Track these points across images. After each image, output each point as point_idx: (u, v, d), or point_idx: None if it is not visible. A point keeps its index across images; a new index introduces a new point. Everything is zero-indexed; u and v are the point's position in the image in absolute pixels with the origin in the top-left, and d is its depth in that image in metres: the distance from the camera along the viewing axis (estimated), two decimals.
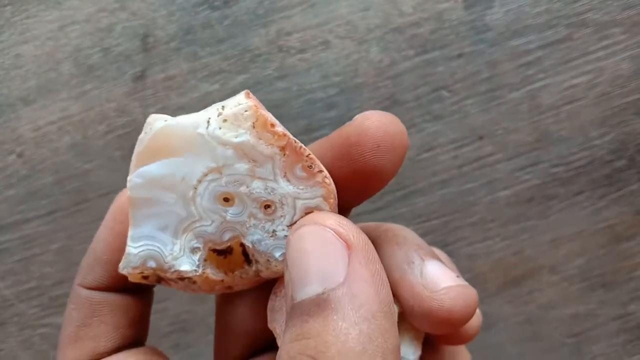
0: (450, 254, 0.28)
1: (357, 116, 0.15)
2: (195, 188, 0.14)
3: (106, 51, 0.33)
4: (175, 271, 0.15)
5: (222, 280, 0.15)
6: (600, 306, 0.33)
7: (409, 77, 0.33)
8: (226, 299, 0.18)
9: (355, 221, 0.18)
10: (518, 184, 0.33)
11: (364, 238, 0.13)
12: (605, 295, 0.33)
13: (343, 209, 0.16)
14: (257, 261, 0.15)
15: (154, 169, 0.14)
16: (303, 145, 0.14)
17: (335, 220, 0.13)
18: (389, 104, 0.33)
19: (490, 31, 0.33)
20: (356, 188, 0.15)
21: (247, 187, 0.14)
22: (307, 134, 0.33)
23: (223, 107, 0.14)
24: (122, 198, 0.17)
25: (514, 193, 0.33)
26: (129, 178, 0.14)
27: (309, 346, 0.11)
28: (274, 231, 0.15)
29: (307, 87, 0.33)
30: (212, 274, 0.15)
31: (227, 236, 0.15)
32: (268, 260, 0.15)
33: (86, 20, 0.33)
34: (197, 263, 0.15)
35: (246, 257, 0.15)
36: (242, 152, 0.14)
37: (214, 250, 0.15)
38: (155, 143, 0.14)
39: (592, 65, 0.33)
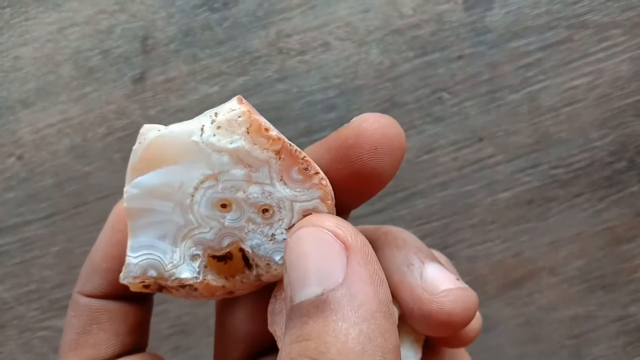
0: (450, 256, 0.28)
1: (354, 118, 0.15)
2: (192, 196, 0.14)
3: (106, 53, 0.33)
4: (176, 279, 0.15)
5: (223, 286, 0.15)
6: (600, 308, 0.33)
7: (409, 79, 0.33)
8: (226, 303, 0.18)
9: (354, 224, 0.18)
10: (518, 186, 0.33)
11: (362, 239, 0.13)
12: (605, 297, 0.33)
13: (341, 212, 0.16)
14: (257, 265, 0.15)
15: (149, 178, 0.14)
16: (298, 148, 0.14)
17: (333, 222, 0.13)
18: (389, 106, 0.33)
19: (490, 33, 0.33)
20: (354, 190, 0.15)
21: (244, 192, 0.14)
22: (307, 135, 0.33)
23: (216, 113, 0.14)
24: (120, 207, 0.17)
25: (514, 195, 0.33)
26: (125, 189, 0.14)
27: (309, 347, 0.11)
28: (272, 235, 0.15)
29: (307, 89, 0.33)
30: (213, 280, 0.15)
31: (226, 242, 0.15)
32: (268, 264, 0.15)
33: (85, 22, 0.33)
34: (197, 270, 0.15)
35: (246, 261, 0.15)
36: (238, 157, 0.14)
37: (214, 257, 0.15)
38: (149, 153, 0.14)
39: (592, 66, 0.33)
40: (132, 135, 0.33)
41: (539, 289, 0.33)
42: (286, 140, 0.14)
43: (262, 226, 0.15)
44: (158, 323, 0.32)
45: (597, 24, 0.32)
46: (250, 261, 0.15)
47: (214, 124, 0.14)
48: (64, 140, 0.33)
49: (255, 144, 0.14)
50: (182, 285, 0.15)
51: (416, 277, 0.15)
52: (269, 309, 0.16)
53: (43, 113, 0.33)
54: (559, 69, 0.33)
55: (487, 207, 0.33)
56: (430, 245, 0.17)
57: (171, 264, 0.15)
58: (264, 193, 0.14)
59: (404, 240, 0.16)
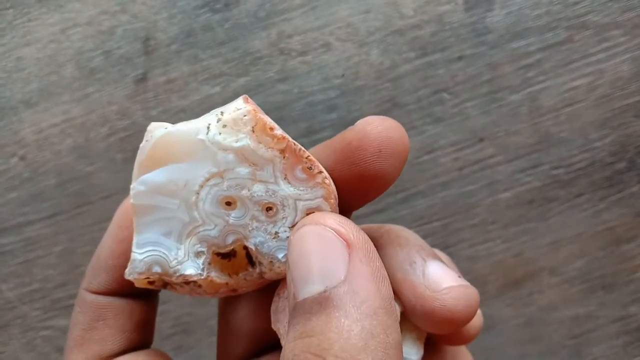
0: (450, 256, 0.28)
1: (359, 121, 0.15)
2: (198, 193, 0.15)
3: (107, 54, 0.33)
4: (181, 275, 0.15)
5: (227, 283, 0.16)
6: (600, 308, 0.33)
7: (410, 80, 0.33)
8: (229, 300, 0.18)
9: (356, 223, 0.19)
10: (518, 186, 0.33)
11: (363, 236, 0.13)
12: (606, 297, 0.33)
13: (344, 212, 0.16)
14: (260, 263, 0.15)
15: (156, 176, 0.14)
16: (302, 147, 0.14)
17: (335, 220, 0.13)
18: (389, 107, 0.33)
19: (490, 33, 0.33)
20: (357, 192, 0.15)
21: (249, 190, 0.14)
22: (307, 136, 0.33)
23: (222, 112, 0.14)
24: (126, 204, 0.17)
25: (515, 195, 0.33)
26: (131, 186, 0.15)
27: (312, 344, 0.12)
28: (276, 233, 0.15)
29: (308, 89, 0.33)
30: (217, 277, 0.15)
31: (230, 239, 0.15)
32: (271, 261, 0.15)
33: (88, 23, 0.33)
34: (201, 267, 0.15)
35: (250, 259, 0.15)
36: (243, 156, 0.14)
37: (218, 254, 0.15)
38: (156, 151, 0.14)
39: (592, 67, 0.33)
40: (134, 136, 0.33)
41: (539, 289, 0.33)
42: (290, 139, 0.14)
43: (265, 224, 0.15)
44: (159, 323, 0.33)
45: (598, 24, 0.33)
46: (254, 259, 0.15)
47: (220, 122, 0.14)
48: (67, 141, 0.33)
49: (260, 143, 0.14)
50: (187, 282, 0.15)
51: (418, 275, 0.15)
52: (272, 307, 0.16)
53: (46, 113, 0.33)
54: (559, 69, 0.33)
55: (488, 207, 0.33)
56: (431, 245, 0.17)
57: (176, 261, 0.15)
58: (268, 191, 0.14)
59: (406, 238, 0.17)
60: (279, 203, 0.14)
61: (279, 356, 0.13)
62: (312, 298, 0.12)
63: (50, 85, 0.33)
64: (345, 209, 0.16)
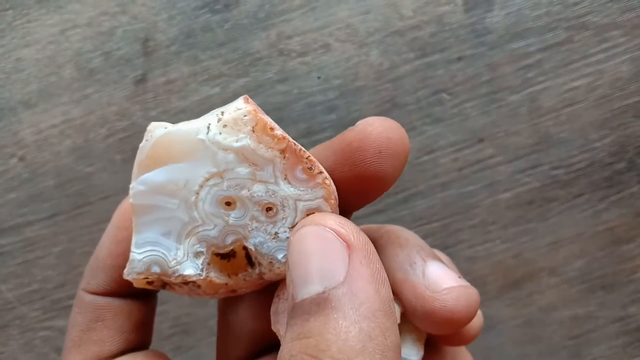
0: (450, 256, 0.28)
1: (359, 122, 0.15)
2: (197, 193, 0.15)
3: (107, 55, 0.33)
4: (180, 276, 0.15)
5: (226, 284, 0.15)
6: (600, 308, 0.33)
7: (409, 80, 0.33)
8: (228, 301, 0.18)
9: (355, 224, 0.19)
10: (518, 187, 0.33)
11: (364, 238, 0.13)
12: (605, 297, 0.33)
13: (344, 213, 0.16)
14: (260, 264, 0.15)
15: (156, 175, 0.14)
16: (303, 147, 0.14)
17: (336, 221, 0.13)
18: (389, 107, 0.33)
19: (490, 34, 0.33)
20: (357, 192, 0.15)
21: (249, 190, 0.14)
22: (307, 137, 0.33)
23: (222, 112, 0.14)
24: (125, 205, 0.17)
25: (514, 195, 0.33)
26: (131, 185, 0.15)
27: (310, 345, 0.12)
28: (276, 233, 0.15)
29: (308, 90, 0.33)
30: (216, 277, 0.15)
31: (229, 240, 0.15)
32: (271, 262, 0.15)
33: (87, 24, 0.33)
34: (200, 267, 0.15)
35: (249, 260, 0.15)
36: (243, 156, 0.14)
37: (217, 254, 0.15)
38: (156, 150, 0.14)
39: (592, 67, 0.33)
40: (133, 137, 0.33)
41: (539, 290, 0.33)
42: (291, 139, 0.14)
43: (265, 224, 0.15)
44: (159, 323, 0.33)
45: (597, 25, 0.33)
46: (253, 259, 0.15)
47: (220, 122, 0.14)
48: (66, 141, 0.33)
49: (260, 143, 0.14)
50: (185, 282, 0.15)
51: (418, 275, 0.15)
52: (272, 308, 0.16)
53: (45, 114, 0.33)
54: (559, 70, 0.33)
55: (488, 207, 0.33)
56: (431, 246, 0.17)
57: (175, 261, 0.15)
58: (268, 191, 0.14)
59: (406, 239, 0.16)
60: (279, 203, 0.14)
61: None
62: (310, 299, 0.12)
63: (50, 86, 0.33)
64: (345, 209, 0.16)
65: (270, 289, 0.17)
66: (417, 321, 0.16)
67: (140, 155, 0.15)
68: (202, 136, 0.14)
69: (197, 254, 0.15)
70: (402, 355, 0.16)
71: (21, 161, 0.33)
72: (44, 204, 0.33)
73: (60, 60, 0.33)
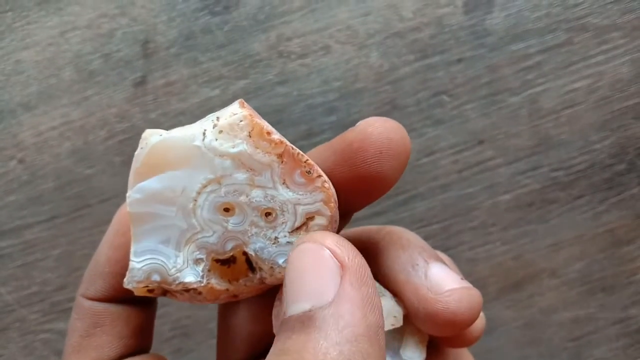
0: (450, 258, 0.29)
1: (359, 122, 0.15)
2: (195, 200, 0.14)
3: (107, 57, 0.33)
4: (180, 283, 0.15)
5: (227, 290, 0.15)
6: (600, 310, 0.33)
7: (409, 82, 0.33)
8: (228, 304, 0.18)
9: (354, 226, 0.19)
10: (518, 188, 0.33)
11: (359, 260, 0.13)
12: (606, 299, 0.33)
13: (344, 214, 0.16)
14: (260, 269, 0.15)
15: (152, 183, 0.14)
16: (300, 151, 0.14)
17: (334, 240, 0.13)
18: (389, 109, 0.33)
19: (490, 36, 0.33)
20: (358, 194, 0.15)
21: (247, 196, 0.14)
22: (307, 139, 0.33)
23: (218, 118, 0.14)
24: (123, 211, 0.17)
25: (514, 197, 0.33)
26: (127, 194, 0.14)
27: None
28: (276, 238, 0.15)
29: (308, 92, 0.33)
30: (217, 283, 0.15)
31: (229, 246, 0.15)
32: (272, 267, 0.15)
33: (87, 26, 0.33)
34: (201, 274, 0.15)
35: (250, 265, 0.15)
36: (240, 161, 0.14)
37: (217, 260, 0.15)
38: (152, 158, 0.14)
39: (592, 69, 0.33)
40: (133, 139, 0.33)
41: (539, 291, 0.33)
42: (288, 143, 0.14)
43: (265, 229, 0.15)
44: (159, 326, 0.33)
45: (597, 26, 0.33)
46: (254, 264, 0.15)
47: (215, 128, 0.14)
48: (66, 144, 0.33)
49: (257, 148, 0.14)
50: (186, 290, 0.15)
51: (421, 277, 0.15)
52: (274, 312, 0.16)
53: (44, 116, 0.33)
54: (559, 71, 0.33)
55: (488, 209, 0.33)
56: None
57: (175, 269, 0.15)
58: (266, 196, 0.14)
59: (408, 240, 0.16)
60: (278, 208, 0.14)
61: None
62: (296, 316, 0.12)
63: (49, 88, 0.33)
64: (346, 210, 0.16)
65: (271, 291, 0.17)
66: (419, 323, 0.16)
67: (135, 163, 0.14)
68: (198, 143, 0.14)
69: (197, 261, 0.15)
70: (405, 357, 0.16)
71: (20, 163, 0.33)
72: (43, 207, 0.33)
73: (59, 62, 0.33)
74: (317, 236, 0.13)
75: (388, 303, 0.15)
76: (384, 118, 0.15)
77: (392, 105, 0.33)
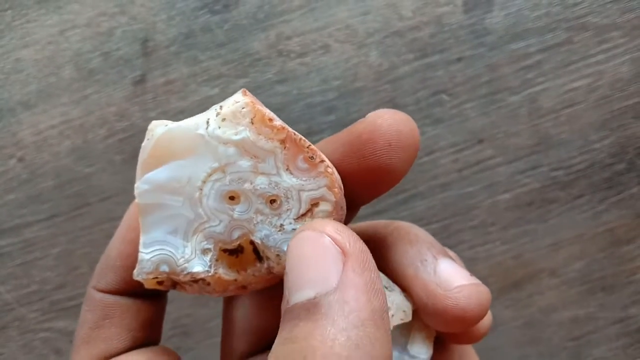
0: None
1: (369, 114, 0.15)
2: (201, 189, 0.14)
3: (106, 55, 0.33)
4: (188, 273, 0.15)
5: (235, 280, 0.15)
6: (600, 309, 0.33)
7: (409, 81, 0.33)
8: (233, 296, 0.18)
9: (359, 222, 0.19)
10: (518, 188, 0.33)
11: (360, 246, 0.13)
12: (606, 298, 0.33)
13: (352, 207, 0.16)
14: (267, 257, 0.15)
15: (159, 174, 0.14)
16: (303, 137, 0.14)
17: (333, 227, 0.13)
18: (388, 108, 0.33)
19: (489, 35, 0.33)
20: (367, 185, 0.15)
21: (251, 183, 0.14)
22: (306, 137, 0.32)
23: (221, 106, 0.14)
24: (135, 206, 0.17)
25: (514, 196, 0.33)
26: (135, 185, 0.15)
27: (295, 350, 0.11)
28: (281, 225, 0.15)
29: (307, 91, 0.33)
30: (225, 273, 0.15)
31: (235, 234, 0.15)
32: (278, 255, 0.15)
33: (86, 25, 0.33)
34: (208, 264, 0.15)
35: (257, 254, 0.15)
36: (244, 149, 0.14)
37: (225, 250, 0.15)
38: (158, 149, 0.14)
39: (591, 68, 0.33)
40: (132, 137, 0.33)
41: (539, 291, 0.33)
42: (290, 129, 0.14)
43: (270, 217, 0.15)
44: None
45: (597, 26, 0.33)
46: (261, 253, 0.15)
47: (218, 116, 0.14)
48: (65, 142, 0.33)
49: (260, 134, 0.14)
50: (195, 280, 0.15)
51: (430, 273, 0.15)
52: (283, 302, 0.16)
53: (44, 115, 0.33)
54: (558, 70, 0.33)
55: (487, 208, 0.33)
56: None
57: (183, 259, 0.15)
58: (270, 183, 0.14)
59: (416, 235, 0.16)
60: (282, 195, 0.14)
61: None
62: (301, 304, 0.12)
63: (49, 87, 0.33)
64: (353, 203, 0.16)
65: (276, 285, 0.16)
66: (427, 319, 0.16)
67: (142, 155, 0.15)
68: (201, 131, 0.14)
69: (204, 251, 0.15)
70: (412, 353, 0.16)
71: (20, 162, 0.33)
72: (43, 205, 0.33)
73: (59, 61, 0.33)
74: (316, 224, 0.13)
75: (397, 298, 0.15)
76: (394, 110, 0.15)
77: (392, 104, 0.33)
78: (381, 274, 0.16)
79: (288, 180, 0.14)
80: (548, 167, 0.33)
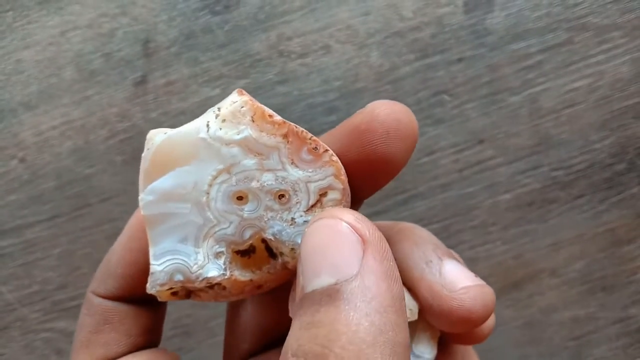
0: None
1: (368, 104, 0.15)
2: (207, 193, 0.14)
3: (107, 56, 0.33)
4: (204, 279, 0.15)
5: (251, 280, 0.15)
6: (600, 309, 0.33)
7: (410, 82, 0.33)
8: None
9: None
10: (518, 188, 0.33)
11: (379, 234, 0.13)
12: (606, 298, 0.33)
13: (355, 201, 0.16)
14: (281, 253, 0.15)
15: (163, 183, 0.14)
16: (304, 129, 0.14)
17: (352, 215, 0.13)
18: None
19: (490, 35, 0.33)
20: (367, 177, 0.15)
21: (258, 181, 0.14)
22: None
23: (219, 108, 0.14)
24: (138, 215, 0.17)
25: (515, 197, 0.33)
26: (140, 197, 0.14)
27: (320, 335, 0.11)
28: (292, 219, 0.15)
29: (308, 91, 0.33)
30: (240, 275, 0.15)
31: (247, 234, 0.15)
32: (292, 249, 0.15)
33: (87, 26, 0.33)
34: (223, 267, 0.15)
35: (270, 252, 0.15)
36: (247, 147, 0.14)
37: (238, 252, 0.15)
38: (159, 157, 0.14)
39: (592, 68, 0.33)
40: (133, 138, 0.33)
41: (539, 291, 0.33)
42: (291, 123, 0.14)
43: (280, 212, 0.14)
44: None
45: (598, 26, 0.33)
46: (274, 250, 0.15)
47: (218, 118, 0.14)
48: (66, 143, 0.33)
49: (262, 131, 0.14)
50: (210, 286, 0.15)
51: (435, 274, 0.15)
52: (291, 297, 0.16)
53: (45, 116, 0.33)
54: (559, 71, 0.33)
55: (488, 208, 0.33)
56: None
57: (196, 265, 0.15)
58: (277, 179, 0.14)
59: (421, 236, 0.16)
60: (290, 189, 0.14)
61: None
62: (321, 290, 0.12)
63: (50, 88, 0.33)
64: (355, 196, 0.16)
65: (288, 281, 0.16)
66: (433, 319, 0.16)
67: (144, 165, 0.14)
68: (203, 135, 0.14)
69: (217, 255, 0.15)
70: (416, 353, 0.17)
71: (21, 163, 0.33)
72: (44, 206, 0.33)
73: (60, 62, 0.33)
74: (334, 212, 0.13)
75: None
76: (392, 101, 0.15)
77: None
78: None
79: (294, 173, 0.14)
80: (548, 167, 0.33)
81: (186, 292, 0.15)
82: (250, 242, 0.15)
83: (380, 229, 0.14)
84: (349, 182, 0.15)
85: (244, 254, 0.15)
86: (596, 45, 0.33)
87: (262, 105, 0.14)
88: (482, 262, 0.33)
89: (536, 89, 0.33)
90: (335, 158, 0.14)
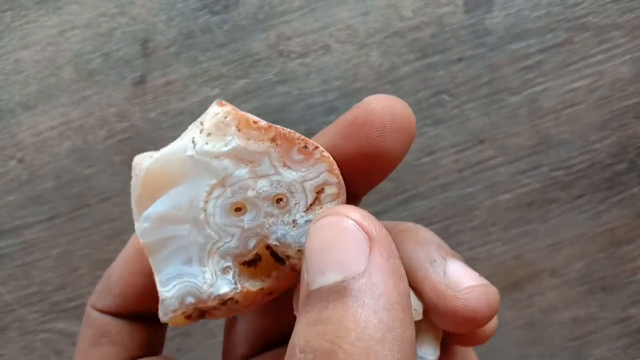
0: None
1: (365, 98, 0.15)
2: (205, 210, 0.14)
3: (106, 56, 0.33)
4: (216, 297, 0.15)
5: (262, 288, 0.15)
6: (600, 310, 0.33)
7: (409, 82, 0.33)
8: None
9: None
10: (518, 188, 0.33)
11: (385, 232, 0.13)
12: (606, 298, 0.33)
13: (353, 197, 0.16)
14: (288, 256, 0.15)
15: (157, 207, 0.14)
16: (291, 130, 0.14)
17: (358, 212, 0.13)
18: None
19: (490, 35, 0.33)
20: (364, 172, 0.15)
21: (254, 189, 0.14)
22: (307, 137, 0.33)
23: (202, 122, 0.14)
24: (137, 238, 0.17)
25: (515, 197, 0.33)
26: (136, 225, 0.14)
27: (328, 331, 0.11)
28: (294, 221, 0.14)
29: (308, 91, 0.33)
30: (251, 285, 0.15)
31: (252, 244, 0.15)
32: (299, 250, 0.15)
33: (86, 26, 0.33)
34: (233, 281, 0.15)
35: (276, 257, 0.15)
36: (237, 157, 0.14)
37: (244, 263, 0.15)
38: (149, 181, 0.14)
39: (592, 68, 0.33)
40: (132, 138, 0.33)
41: (539, 291, 0.33)
42: (277, 126, 0.14)
43: (281, 216, 0.14)
44: None
45: (597, 26, 0.33)
46: (280, 255, 0.15)
47: (203, 132, 0.14)
48: (65, 143, 0.33)
49: (249, 139, 0.14)
50: (223, 302, 0.15)
51: (439, 274, 0.15)
52: (295, 294, 0.16)
53: (44, 116, 0.33)
54: (559, 71, 0.33)
55: (488, 209, 0.33)
56: None
57: (206, 284, 0.15)
58: (272, 184, 0.14)
59: (425, 236, 0.16)
60: (287, 191, 0.14)
61: (284, 352, 0.13)
62: (328, 287, 0.12)
63: (49, 88, 0.33)
64: (353, 192, 0.16)
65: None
66: (437, 319, 0.16)
67: (134, 192, 0.14)
68: (190, 152, 0.14)
69: (224, 270, 0.15)
70: (419, 353, 0.17)
71: (20, 163, 0.33)
72: (43, 206, 0.33)
73: (59, 62, 0.33)
74: (340, 209, 0.13)
75: None
76: (389, 95, 0.15)
77: None
78: None
79: (288, 175, 0.14)
80: (548, 167, 0.33)
81: (199, 312, 0.15)
82: (255, 251, 0.15)
83: None
84: (346, 177, 0.15)
85: (250, 264, 0.15)
86: (596, 45, 0.33)
87: (245, 113, 0.14)
88: (482, 263, 0.33)
89: (536, 89, 0.33)
90: (326, 153, 0.14)
